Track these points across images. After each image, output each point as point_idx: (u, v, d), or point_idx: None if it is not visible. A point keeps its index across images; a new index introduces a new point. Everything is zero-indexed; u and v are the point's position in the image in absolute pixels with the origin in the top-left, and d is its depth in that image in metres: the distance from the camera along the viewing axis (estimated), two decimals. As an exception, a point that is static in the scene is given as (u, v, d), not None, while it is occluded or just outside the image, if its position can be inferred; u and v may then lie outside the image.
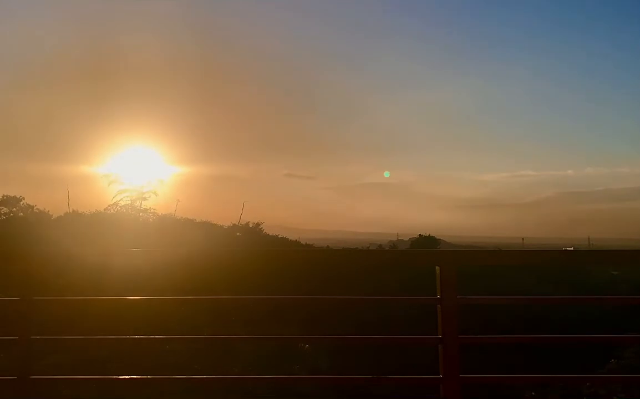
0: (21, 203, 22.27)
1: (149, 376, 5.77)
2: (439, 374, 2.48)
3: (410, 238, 42.30)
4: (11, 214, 21.85)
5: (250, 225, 27.73)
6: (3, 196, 21.95)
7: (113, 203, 24.48)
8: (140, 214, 24.52)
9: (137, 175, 25.04)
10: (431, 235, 38.02)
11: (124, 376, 6.20)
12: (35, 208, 22.38)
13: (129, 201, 24.72)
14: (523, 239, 76.35)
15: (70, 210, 23.68)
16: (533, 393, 9.42)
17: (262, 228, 27.83)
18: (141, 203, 24.75)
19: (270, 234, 27.75)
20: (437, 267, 2.59)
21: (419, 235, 37.88)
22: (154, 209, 25.02)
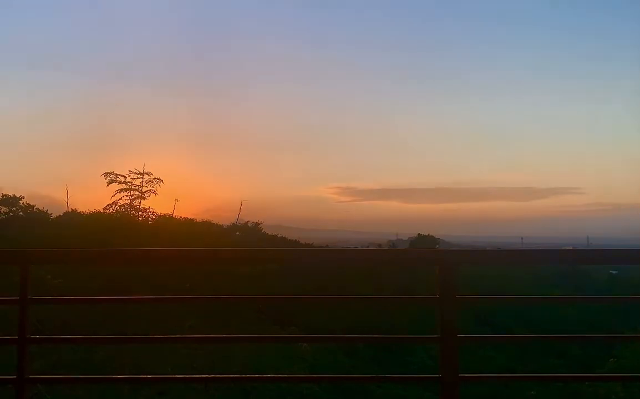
0: (20, 202, 22.24)
1: (148, 376, 5.77)
2: (439, 374, 2.47)
3: (409, 238, 42.29)
4: (11, 213, 21.81)
5: (250, 225, 27.71)
6: (2, 195, 21.90)
7: (112, 203, 24.43)
8: (140, 213, 24.49)
9: (137, 174, 24.91)
10: (430, 234, 38.03)
11: (122, 376, 6.20)
12: (35, 207, 22.35)
13: (128, 201, 24.68)
14: (522, 238, 76.46)
15: (70, 210, 23.66)
16: (533, 393, 9.41)
17: (261, 227, 27.82)
18: (140, 203, 24.71)
19: (270, 233, 27.73)
20: (436, 267, 2.58)
21: (418, 234, 37.85)
22: (153, 208, 24.99)
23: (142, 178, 24.62)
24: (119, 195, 24.47)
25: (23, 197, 22.28)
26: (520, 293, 20.98)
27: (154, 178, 24.77)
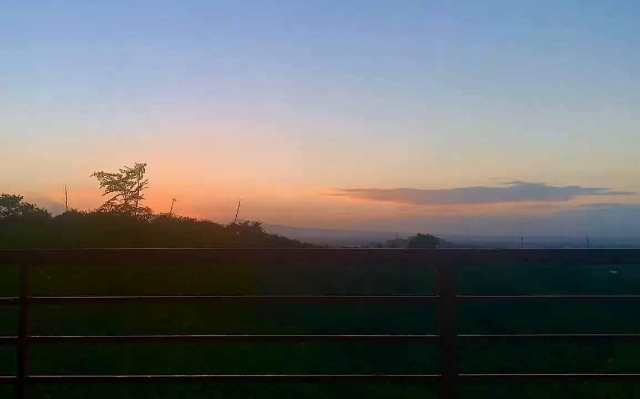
0: (20, 202, 22.24)
1: (148, 376, 5.78)
2: (438, 373, 2.47)
3: (409, 238, 42.34)
4: (10, 213, 21.81)
5: (250, 225, 27.71)
6: (2, 195, 21.92)
7: (107, 203, 24.32)
8: (137, 213, 24.40)
9: (128, 172, 24.75)
10: (430, 234, 38.06)
11: (122, 376, 6.21)
12: (34, 207, 22.35)
13: (123, 201, 24.57)
14: (522, 238, 76.52)
15: (69, 210, 23.62)
16: (533, 393, 9.41)
17: (261, 227, 27.82)
18: (137, 202, 24.62)
19: (270, 233, 27.74)
20: (436, 267, 2.58)
21: (418, 234, 37.90)
22: (149, 208, 24.86)
23: (137, 176, 24.49)
24: (112, 194, 24.35)
25: (22, 197, 22.30)
26: (519, 293, 20.99)
27: (144, 181, 24.64)
